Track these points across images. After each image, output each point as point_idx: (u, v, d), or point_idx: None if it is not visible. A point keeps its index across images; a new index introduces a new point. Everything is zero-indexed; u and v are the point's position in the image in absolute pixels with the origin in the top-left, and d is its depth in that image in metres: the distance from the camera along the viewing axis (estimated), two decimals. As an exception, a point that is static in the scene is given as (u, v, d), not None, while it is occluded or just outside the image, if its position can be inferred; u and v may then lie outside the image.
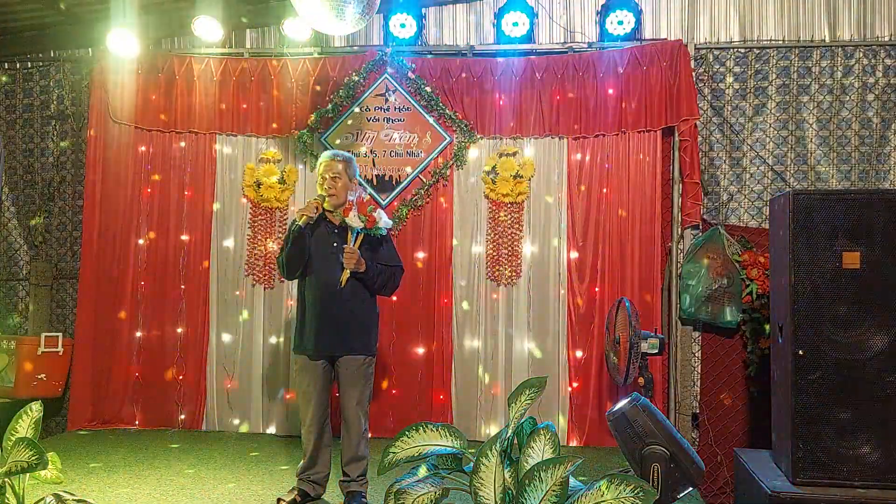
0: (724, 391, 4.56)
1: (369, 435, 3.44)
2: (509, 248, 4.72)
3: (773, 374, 3.51)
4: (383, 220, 3.37)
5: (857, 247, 3.11)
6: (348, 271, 3.29)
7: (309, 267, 3.38)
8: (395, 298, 4.44)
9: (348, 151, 4.69)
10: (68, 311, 5.11)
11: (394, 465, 2.23)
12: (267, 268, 4.86)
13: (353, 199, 3.35)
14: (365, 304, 3.40)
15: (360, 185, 3.63)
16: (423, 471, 2.24)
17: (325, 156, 3.47)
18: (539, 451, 2.16)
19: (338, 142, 4.84)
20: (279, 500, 3.35)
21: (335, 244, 3.35)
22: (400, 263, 3.51)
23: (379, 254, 3.41)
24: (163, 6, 4.94)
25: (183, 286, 4.91)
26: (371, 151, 4.80)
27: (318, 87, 4.85)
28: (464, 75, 4.77)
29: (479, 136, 4.77)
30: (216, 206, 4.94)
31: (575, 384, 4.64)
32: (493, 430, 4.64)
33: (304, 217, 3.27)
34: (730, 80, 4.73)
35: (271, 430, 4.80)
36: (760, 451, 3.72)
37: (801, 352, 3.13)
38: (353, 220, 3.28)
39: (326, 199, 3.37)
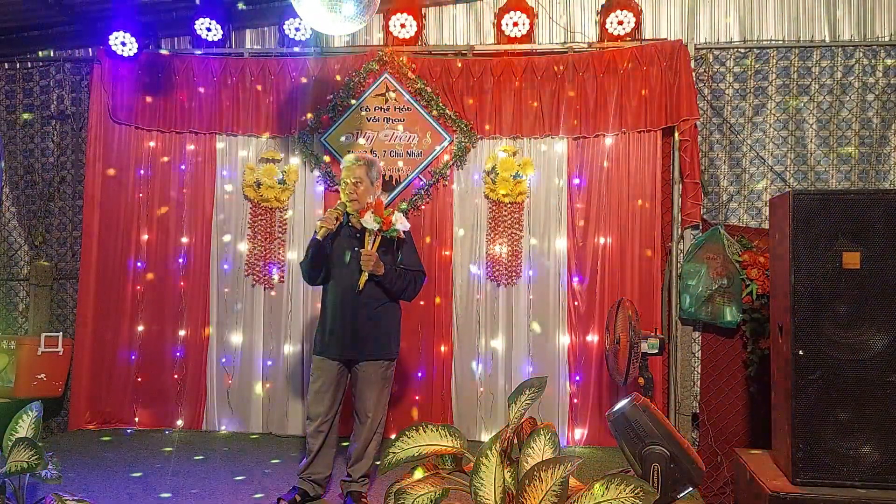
0: (724, 391, 4.56)
1: (381, 438, 3.44)
2: (509, 248, 4.72)
3: (772, 374, 3.51)
4: (400, 223, 3.36)
5: (857, 247, 3.11)
6: (366, 274, 3.30)
7: (330, 271, 3.40)
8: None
9: (349, 152, 4.72)
10: (68, 311, 5.11)
11: (394, 466, 2.23)
12: (267, 268, 4.86)
13: (370, 201, 3.37)
14: (385, 307, 3.40)
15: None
16: (419, 472, 2.24)
17: (347, 160, 3.47)
18: (539, 451, 2.15)
19: (340, 140, 4.84)
20: (279, 499, 3.35)
21: (355, 248, 3.36)
22: (421, 268, 3.51)
23: (400, 258, 3.41)
24: (163, 6, 4.94)
25: (183, 286, 4.91)
26: (371, 151, 4.80)
27: (318, 87, 4.85)
28: (464, 75, 4.77)
29: (479, 136, 4.77)
30: (216, 206, 4.94)
31: (575, 384, 4.64)
32: (493, 430, 4.64)
33: (324, 229, 3.28)
34: (730, 80, 4.73)
35: (271, 429, 4.80)
36: (760, 451, 3.72)
37: (801, 352, 3.13)
38: (369, 221, 3.28)
39: (348, 203, 3.38)
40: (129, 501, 3.40)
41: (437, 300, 4.74)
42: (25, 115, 5.10)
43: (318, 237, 3.28)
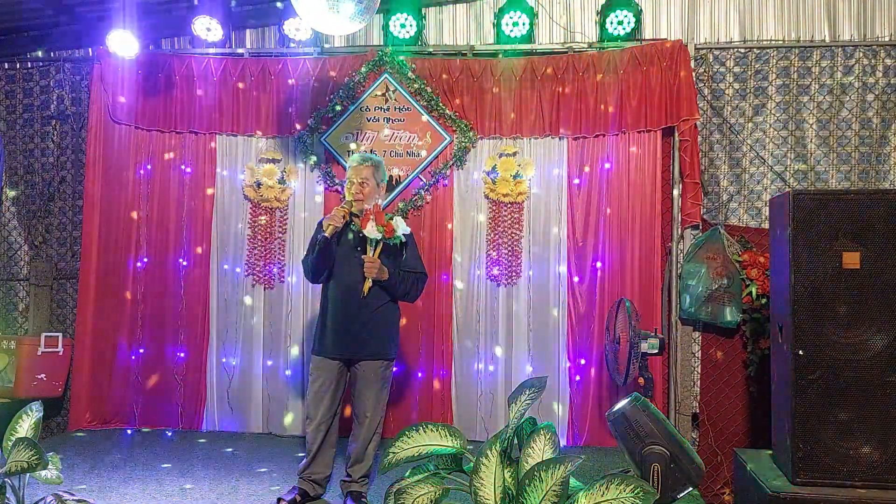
0: (724, 391, 4.56)
1: (381, 438, 3.44)
2: (509, 248, 4.72)
3: (773, 374, 3.51)
4: (401, 228, 3.35)
5: (858, 247, 3.11)
6: (370, 280, 3.30)
7: (332, 270, 3.40)
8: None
9: (350, 152, 4.73)
10: (68, 311, 5.11)
11: (394, 465, 2.23)
12: (267, 268, 4.86)
13: (369, 208, 3.34)
14: (386, 308, 3.41)
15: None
16: (410, 472, 2.25)
17: (354, 159, 3.47)
18: (539, 451, 2.15)
19: (340, 140, 4.84)
20: (279, 499, 3.35)
21: (359, 248, 3.36)
22: (423, 270, 3.51)
23: (402, 260, 3.41)
24: (163, 6, 4.94)
25: (183, 286, 4.91)
26: (371, 151, 4.79)
27: (318, 87, 4.85)
28: (464, 75, 4.77)
29: (479, 136, 4.77)
30: (216, 206, 4.94)
31: (575, 384, 4.64)
32: (493, 430, 4.64)
33: (331, 227, 3.27)
34: (730, 80, 4.73)
35: (271, 430, 4.80)
36: (760, 451, 3.72)
37: (801, 352, 3.13)
38: (371, 230, 3.27)
39: (353, 203, 3.38)
40: (130, 501, 3.40)
41: (437, 300, 4.74)
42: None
43: (326, 234, 3.29)
